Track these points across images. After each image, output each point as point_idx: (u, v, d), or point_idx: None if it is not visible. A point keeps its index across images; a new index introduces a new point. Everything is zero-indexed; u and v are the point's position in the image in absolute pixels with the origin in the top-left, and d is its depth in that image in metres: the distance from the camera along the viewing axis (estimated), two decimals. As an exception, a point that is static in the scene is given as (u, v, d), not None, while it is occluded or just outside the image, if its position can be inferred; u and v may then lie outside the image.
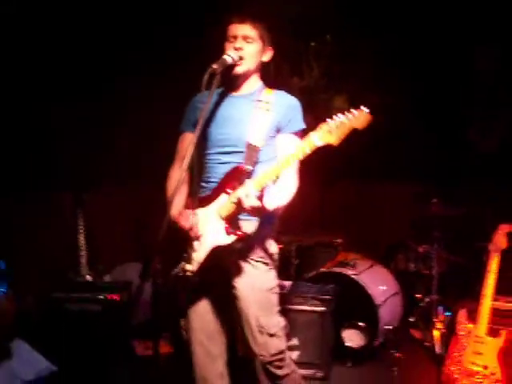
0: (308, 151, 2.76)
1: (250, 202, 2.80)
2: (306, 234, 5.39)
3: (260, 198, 2.85)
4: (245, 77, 3.09)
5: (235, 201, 2.87)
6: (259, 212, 2.89)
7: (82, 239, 4.80)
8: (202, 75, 2.80)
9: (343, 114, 2.71)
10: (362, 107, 2.70)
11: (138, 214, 5.84)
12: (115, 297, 4.38)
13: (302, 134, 2.93)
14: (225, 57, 2.94)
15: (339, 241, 5.37)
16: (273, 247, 3.13)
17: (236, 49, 2.99)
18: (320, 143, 2.72)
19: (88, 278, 4.76)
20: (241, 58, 3.00)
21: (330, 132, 2.68)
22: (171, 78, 5.41)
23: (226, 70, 2.94)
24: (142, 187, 5.60)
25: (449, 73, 5.79)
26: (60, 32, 5.11)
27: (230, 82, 3.08)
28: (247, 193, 2.80)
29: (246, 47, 3.02)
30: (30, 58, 5.08)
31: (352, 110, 2.69)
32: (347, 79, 5.69)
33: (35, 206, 5.30)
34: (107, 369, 4.22)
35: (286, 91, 3.18)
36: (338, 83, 5.83)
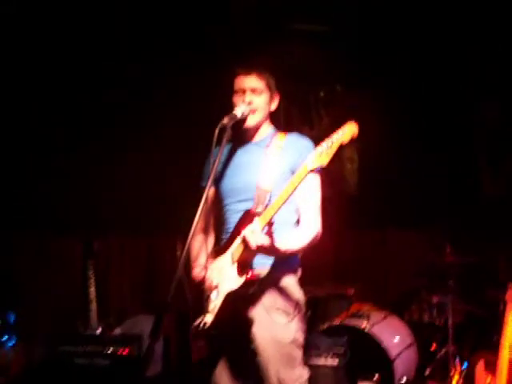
0: (303, 176, 2.75)
1: (256, 238, 2.75)
2: (319, 285, 5.32)
3: (269, 234, 2.79)
4: (256, 127, 3.11)
5: (242, 239, 2.82)
6: (270, 251, 2.82)
7: (92, 291, 4.75)
8: (211, 128, 2.82)
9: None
10: (351, 121, 2.72)
11: (150, 264, 5.81)
12: (125, 351, 4.32)
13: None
14: (235, 112, 2.97)
15: (352, 292, 5.30)
16: (295, 292, 3.04)
17: (245, 103, 3.01)
18: (312, 166, 2.71)
19: (98, 330, 4.69)
20: (252, 111, 3.03)
21: (321, 154, 2.69)
22: (180, 129, 5.45)
23: (236, 123, 2.96)
24: (153, 237, 5.60)
25: (458, 120, 5.82)
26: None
27: (242, 132, 3.09)
28: (252, 229, 2.76)
29: (256, 100, 3.04)
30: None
31: (341, 128, 2.72)
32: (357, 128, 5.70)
33: (45, 256, 5.30)
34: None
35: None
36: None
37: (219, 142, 2.87)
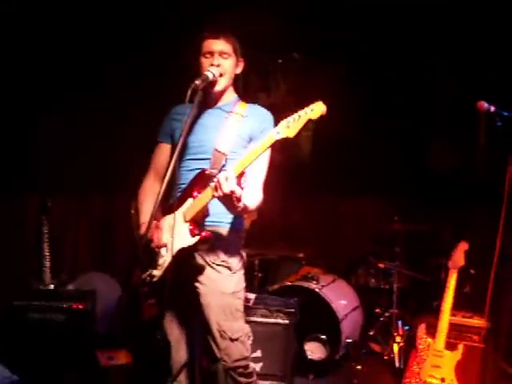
0: (268, 145, 2.82)
1: (230, 185, 2.79)
2: (270, 248, 5.45)
3: (239, 184, 2.86)
4: (222, 91, 3.19)
5: (215, 184, 2.84)
6: (234, 202, 2.86)
7: (46, 247, 4.74)
8: (181, 89, 2.87)
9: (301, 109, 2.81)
10: (319, 101, 2.80)
11: (102, 221, 5.83)
12: (79, 305, 4.36)
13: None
14: (207, 73, 3.04)
15: (302, 255, 5.45)
16: (237, 253, 3.18)
17: (214, 65, 3.08)
18: (278, 136, 2.78)
19: (51, 286, 4.71)
20: (221, 74, 3.10)
21: (288, 126, 2.77)
22: (147, 90, 5.45)
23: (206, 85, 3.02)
24: (108, 195, 5.60)
25: (412, 92, 5.95)
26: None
27: (208, 95, 3.15)
28: (227, 176, 2.80)
29: (224, 63, 3.12)
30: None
31: (310, 105, 2.80)
32: (313, 96, 5.78)
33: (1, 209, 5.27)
34: (69, 379, 4.20)
35: None
36: (304, 100, 5.91)
37: (190, 102, 2.92)
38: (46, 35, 5.14)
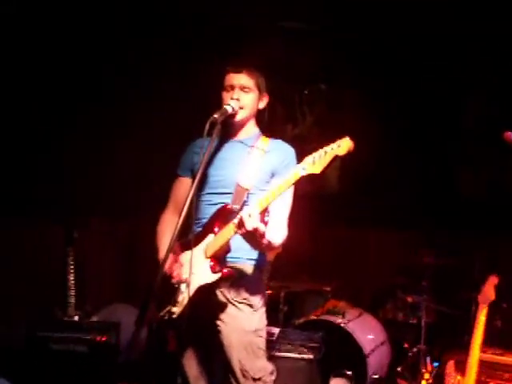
0: (293, 181, 2.81)
1: (253, 222, 2.77)
2: (295, 281, 5.38)
3: (262, 221, 2.84)
4: (242, 124, 3.18)
5: (237, 222, 2.83)
6: (256, 239, 2.85)
7: (71, 278, 4.76)
8: (199, 122, 2.89)
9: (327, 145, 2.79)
10: (346, 137, 2.77)
11: (127, 253, 5.84)
12: (103, 338, 4.36)
13: None
14: (226, 107, 3.04)
15: (328, 288, 5.37)
16: (260, 288, 3.14)
17: (234, 99, 3.08)
18: (304, 173, 2.76)
19: (75, 317, 4.71)
20: (240, 108, 3.09)
21: (314, 162, 2.74)
22: (163, 117, 5.49)
23: (225, 118, 3.02)
24: (133, 225, 5.62)
25: (438, 122, 5.90)
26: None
27: (228, 128, 3.15)
28: (250, 212, 2.79)
29: (244, 97, 3.11)
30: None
31: (337, 141, 2.77)
32: (340, 128, 5.76)
33: (25, 243, 5.32)
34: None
35: (279, 138, 3.26)
36: (330, 132, 5.89)
37: (209, 135, 2.92)
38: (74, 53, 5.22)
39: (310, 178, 2.95)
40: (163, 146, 5.19)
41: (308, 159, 2.77)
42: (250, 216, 2.78)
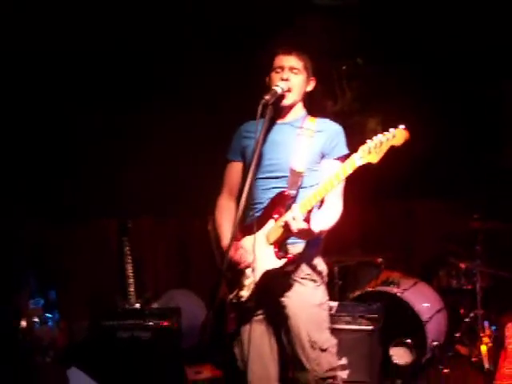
0: (349, 171, 2.87)
1: (298, 225, 2.90)
2: (347, 255, 5.44)
3: (307, 220, 2.94)
4: (290, 107, 3.23)
5: (283, 224, 2.97)
6: (307, 234, 2.99)
7: (129, 268, 4.88)
8: (253, 105, 2.93)
9: (381, 133, 2.82)
10: (399, 126, 2.81)
11: (177, 243, 5.95)
12: (165, 323, 4.47)
13: (346, 159, 3.00)
14: (275, 88, 3.09)
15: (381, 260, 5.40)
16: (320, 265, 3.21)
17: (283, 79, 3.12)
18: (360, 162, 2.83)
19: (137, 305, 4.84)
20: (289, 89, 3.14)
21: (370, 152, 2.80)
22: (207, 107, 5.54)
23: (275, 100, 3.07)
24: (184, 215, 5.71)
25: (482, 94, 5.84)
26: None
27: (277, 111, 3.19)
28: (294, 216, 2.90)
29: (293, 78, 3.16)
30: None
31: (390, 129, 2.81)
32: (380, 101, 5.75)
33: (83, 235, 5.45)
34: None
35: (321, 116, 3.30)
36: (371, 106, 5.89)
37: (261, 118, 2.99)
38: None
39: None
40: (206, 143, 5.27)
41: (364, 148, 2.83)
42: (294, 219, 2.90)
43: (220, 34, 5.36)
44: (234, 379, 3.61)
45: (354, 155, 2.86)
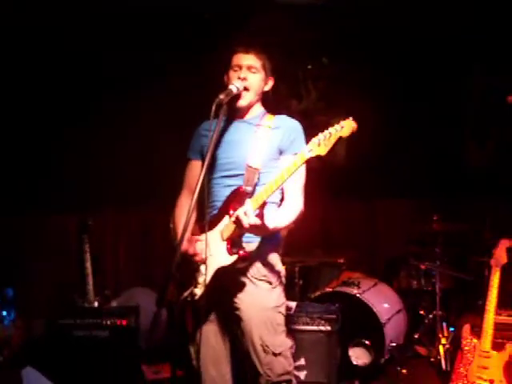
0: (299, 164, 2.86)
1: (249, 219, 2.86)
2: (309, 255, 5.44)
3: (260, 215, 2.90)
4: (248, 107, 3.20)
5: (234, 220, 2.93)
6: (260, 230, 2.95)
7: (88, 265, 4.81)
8: (204, 104, 2.91)
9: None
10: (349, 118, 2.84)
11: (141, 238, 5.90)
12: (123, 322, 4.42)
13: None
14: (231, 87, 3.06)
15: (342, 260, 5.42)
16: (277, 265, 3.18)
17: (241, 78, 3.10)
18: (310, 155, 2.82)
19: (95, 303, 4.78)
20: (245, 89, 3.11)
21: (319, 144, 2.80)
22: (170, 103, 5.51)
23: (230, 100, 3.04)
24: (145, 211, 5.67)
25: (444, 93, 5.89)
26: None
27: (234, 110, 3.17)
28: (245, 210, 2.87)
29: (251, 77, 3.13)
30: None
31: (340, 122, 2.83)
32: (344, 101, 5.77)
33: (39, 231, 5.38)
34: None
35: (285, 114, 3.27)
36: (335, 105, 5.91)
37: (215, 117, 2.95)
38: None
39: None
40: (171, 133, 5.22)
41: (314, 140, 2.82)
42: (245, 214, 2.86)
43: (184, 33, 5.33)
44: (194, 379, 3.58)
45: (304, 148, 2.86)
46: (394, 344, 4.71)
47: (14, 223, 5.25)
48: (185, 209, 3.23)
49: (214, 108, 2.90)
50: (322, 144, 2.79)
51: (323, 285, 5.17)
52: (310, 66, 6.13)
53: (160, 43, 5.39)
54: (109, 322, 4.40)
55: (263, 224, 2.91)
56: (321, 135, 2.81)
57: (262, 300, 3.09)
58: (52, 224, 5.46)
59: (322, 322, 4.31)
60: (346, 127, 2.80)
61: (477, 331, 4.01)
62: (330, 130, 2.81)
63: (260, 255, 3.10)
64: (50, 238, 5.45)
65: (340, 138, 2.80)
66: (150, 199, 5.45)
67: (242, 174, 3.10)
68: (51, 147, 5.36)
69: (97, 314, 4.51)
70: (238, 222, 2.90)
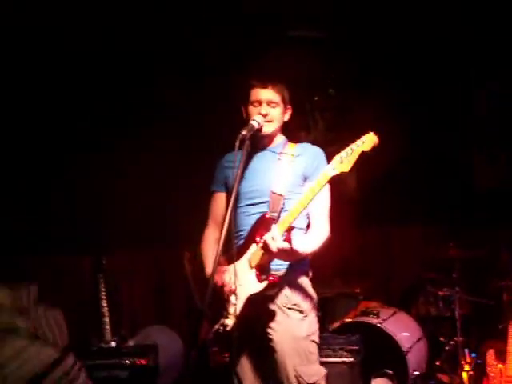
0: (324, 183, 2.88)
1: (277, 244, 2.86)
2: (326, 285, 5.39)
3: (288, 239, 2.90)
4: (271, 136, 3.24)
5: (262, 245, 2.93)
6: (289, 255, 2.94)
7: (104, 305, 4.79)
8: (231, 138, 2.92)
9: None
10: (370, 132, 2.88)
11: (157, 276, 5.87)
12: (142, 361, 4.38)
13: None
14: (252, 122, 3.09)
15: (359, 290, 5.38)
16: (308, 289, 3.17)
17: (262, 115, 3.13)
18: (333, 173, 2.85)
19: (112, 343, 4.74)
20: (267, 122, 3.15)
21: (342, 161, 2.83)
22: (184, 141, 5.53)
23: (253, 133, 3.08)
24: (160, 249, 5.65)
25: (452, 117, 5.91)
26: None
27: (257, 140, 3.19)
28: (273, 235, 2.87)
29: (272, 112, 3.18)
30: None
31: (361, 137, 2.87)
32: (353, 131, 5.79)
33: (57, 273, 5.35)
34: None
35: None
36: (343, 135, 5.92)
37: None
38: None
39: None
40: (186, 172, 5.24)
41: (336, 158, 2.86)
42: (273, 239, 2.86)
43: (196, 61, 5.37)
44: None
45: (327, 166, 2.89)
46: (417, 372, 4.66)
47: (29, 265, 5.23)
48: (211, 242, 3.28)
49: (237, 144, 2.94)
50: (344, 161, 2.82)
51: (340, 316, 5.13)
52: (316, 98, 6.16)
53: (174, 79, 5.43)
54: (128, 362, 4.37)
55: (291, 248, 2.90)
56: (343, 152, 2.84)
57: (294, 330, 3.07)
58: (67, 264, 5.44)
59: (345, 353, 4.27)
60: (367, 141, 2.84)
61: (501, 357, 3.97)
62: (352, 146, 2.84)
63: (289, 281, 3.09)
64: (65, 279, 5.42)
65: (363, 153, 2.83)
66: (162, 237, 5.44)
67: (267, 202, 3.12)
68: (63, 188, 5.37)
69: (115, 353, 4.48)
70: (266, 247, 2.89)
